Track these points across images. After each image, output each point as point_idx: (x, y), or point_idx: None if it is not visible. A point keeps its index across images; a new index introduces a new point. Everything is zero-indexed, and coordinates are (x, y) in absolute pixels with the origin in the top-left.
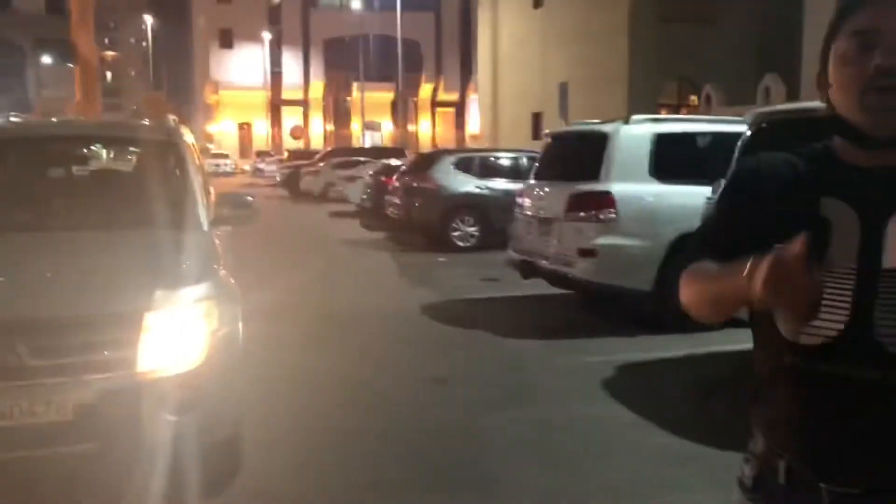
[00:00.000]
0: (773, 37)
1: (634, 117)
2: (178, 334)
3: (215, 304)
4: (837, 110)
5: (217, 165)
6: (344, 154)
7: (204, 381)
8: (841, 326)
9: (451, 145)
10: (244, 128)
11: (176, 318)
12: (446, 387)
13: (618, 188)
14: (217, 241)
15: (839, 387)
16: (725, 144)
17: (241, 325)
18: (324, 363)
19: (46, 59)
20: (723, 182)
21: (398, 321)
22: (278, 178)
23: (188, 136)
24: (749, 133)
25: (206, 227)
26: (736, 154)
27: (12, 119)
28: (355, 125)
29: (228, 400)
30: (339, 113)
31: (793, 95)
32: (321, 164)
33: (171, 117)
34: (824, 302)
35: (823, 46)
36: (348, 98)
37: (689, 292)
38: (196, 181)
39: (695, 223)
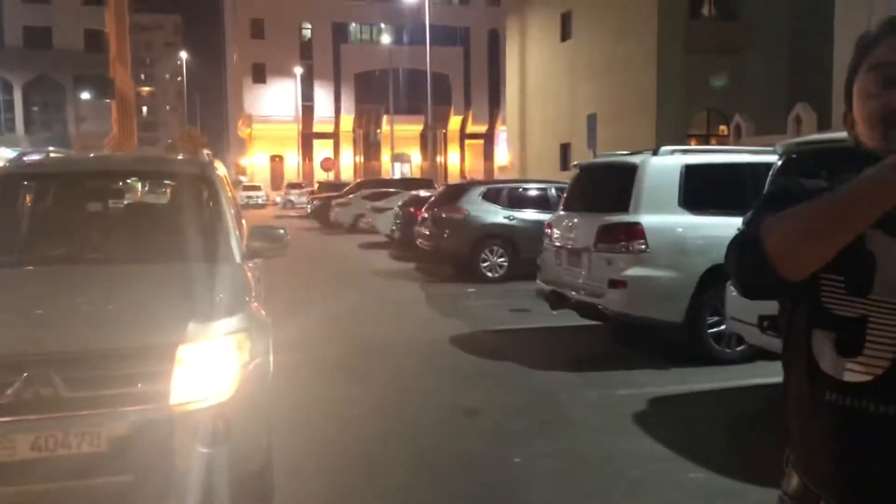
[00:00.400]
0: (802, 65)
1: (663, 148)
2: (211, 366)
3: (247, 336)
4: (867, 146)
5: (249, 197)
6: (373, 185)
7: (236, 413)
8: (887, 364)
9: (480, 176)
10: (276, 160)
11: (208, 350)
12: (477, 418)
13: (647, 219)
14: (249, 273)
15: (885, 426)
16: (756, 175)
17: (272, 356)
18: (354, 393)
19: (85, 95)
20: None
21: (428, 352)
22: (309, 210)
23: (221, 170)
24: (780, 163)
25: (238, 259)
26: (767, 184)
27: (51, 154)
28: (385, 157)
29: (260, 431)
30: (368, 145)
31: (823, 124)
32: (351, 196)
33: (205, 151)
34: (870, 338)
35: (846, 86)
36: (378, 130)
37: (792, 225)
38: (228, 214)
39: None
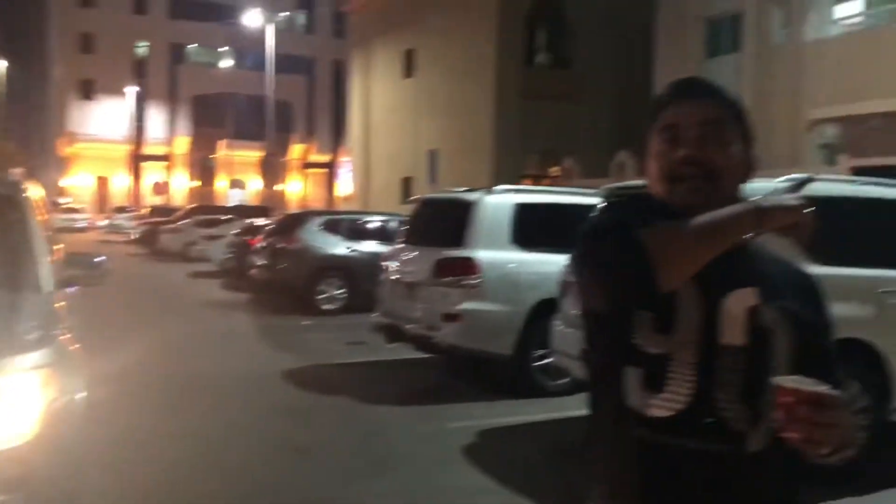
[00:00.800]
0: (628, 114)
1: (497, 187)
2: (8, 406)
3: (53, 371)
4: (660, 198)
5: (70, 220)
6: (207, 212)
7: (36, 456)
8: (687, 400)
9: (322, 207)
10: (103, 182)
11: (5, 388)
12: (307, 456)
13: (481, 255)
14: (61, 304)
15: (685, 460)
16: (581, 215)
17: (84, 393)
18: (177, 432)
19: None
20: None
21: (258, 387)
22: (135, 235)
23: (33, 190)
24: (602, 205)
25: (47, 288)
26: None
27: None
28: (221, 183)
29: (64, 475)
30: (204, 170)
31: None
32: (182, 222)
33: (15, 170)
34: (672, 375)
35: (646, 142)
36: (215, 155)
37: (676, 236)
38: (38, 239)
39: (553, 289)
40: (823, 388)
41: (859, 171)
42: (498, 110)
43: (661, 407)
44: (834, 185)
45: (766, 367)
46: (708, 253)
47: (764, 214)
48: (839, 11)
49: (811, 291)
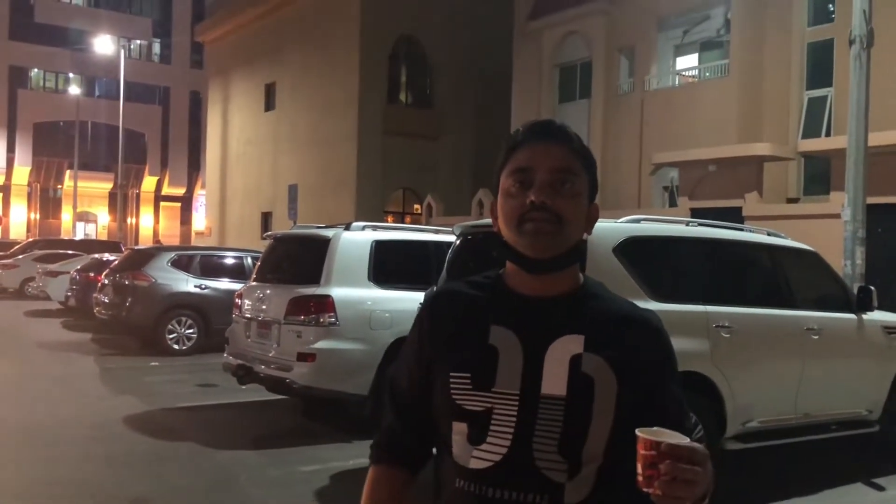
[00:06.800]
0: (487, 154)
1: (354, 224)
2: None
3: None
4: (504, 238)
5: None
6: (49, 246)
7: None
8: (504, 450)
9: (176, 241)
10: None
11: None
12: None
13: (338, 292)
14: None
15: None
16: (438, 252)
17: None
18: (4, 486)
19: None
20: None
21: (94, 435)
22: None
23: None
24: (457, 243)
25: None
26: (446, 261)
27: None
28: (67, 216)
29: None
30: (47, 201)
31: None
32: (20, 257)
33: None
34: (493, 427)
35: (494, 180)
36: (60, 186)
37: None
38: None
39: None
40: (685, 441)
41: (696, 213)
42: (360, 146)
43: (480, 458)
44: (666, 226)
45: (587, 417)
46: None
47: None
48: (679, 63)
49: (649, 334)
